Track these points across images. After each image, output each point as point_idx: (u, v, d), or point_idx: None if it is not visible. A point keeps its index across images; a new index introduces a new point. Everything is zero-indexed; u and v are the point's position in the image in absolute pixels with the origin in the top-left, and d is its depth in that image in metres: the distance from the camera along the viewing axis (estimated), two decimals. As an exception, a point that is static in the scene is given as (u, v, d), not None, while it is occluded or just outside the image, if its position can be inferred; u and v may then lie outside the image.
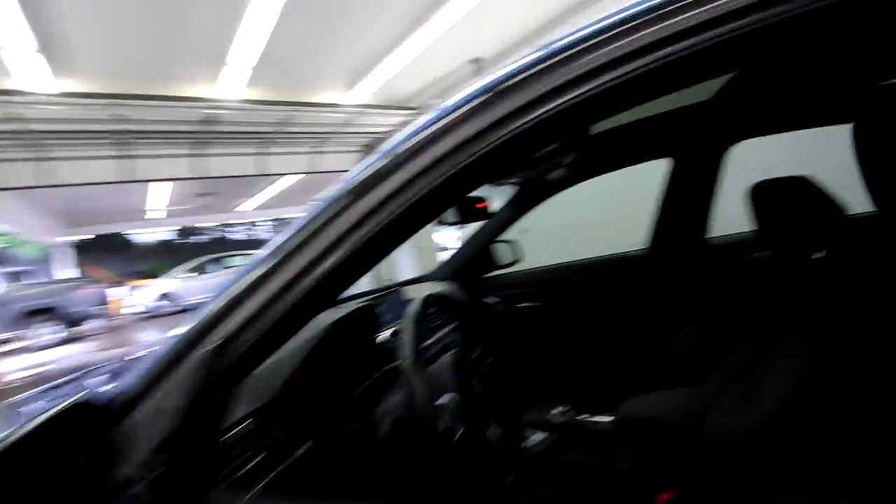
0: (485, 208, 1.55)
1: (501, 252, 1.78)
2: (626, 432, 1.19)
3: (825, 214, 1.13)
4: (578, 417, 1.43)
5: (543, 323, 1.75)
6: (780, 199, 1.17)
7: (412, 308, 0.97)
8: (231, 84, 4.76)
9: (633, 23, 0.44)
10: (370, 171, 0.53)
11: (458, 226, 1.60)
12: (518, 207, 1.72)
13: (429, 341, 1.28)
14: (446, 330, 1.39)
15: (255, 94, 5.02)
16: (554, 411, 1.48)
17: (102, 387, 0.61)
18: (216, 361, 0.52)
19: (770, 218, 1.19)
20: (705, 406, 0.92)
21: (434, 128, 0.51)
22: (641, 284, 1.68)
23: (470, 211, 1.49)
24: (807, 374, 0.77)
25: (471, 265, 1.76)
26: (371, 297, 1.56)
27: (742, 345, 1.07)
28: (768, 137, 1.57)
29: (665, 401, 1.16)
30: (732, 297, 1.35)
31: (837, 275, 0.99)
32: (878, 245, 0.98)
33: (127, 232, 15.09)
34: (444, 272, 1.78)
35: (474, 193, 1.35)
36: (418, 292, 1.25)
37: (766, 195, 1.20)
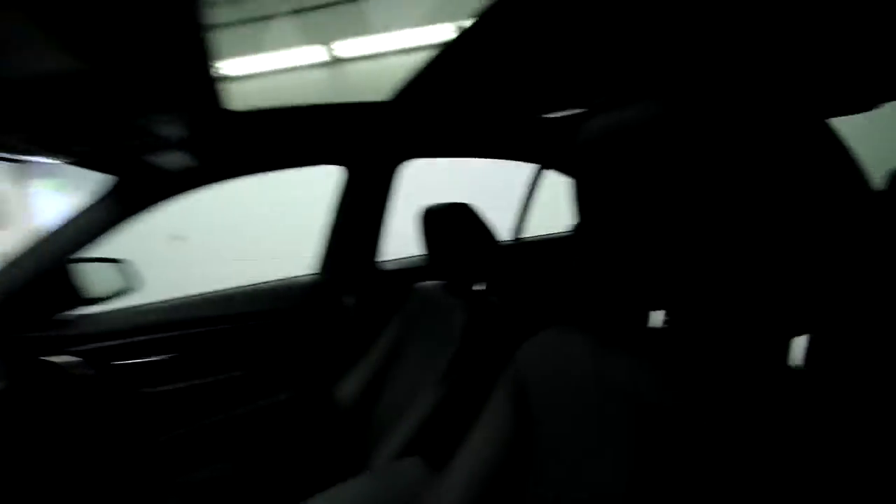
0: None
1: (93, 277, 1.22)
2: None
3: (482, 244, 1.11)
4: None
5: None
6: (444, 225, 1.12)
7: None
8: None
9: None
10: None
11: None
12: (120, 208, 1.21)
13: None
14: None
15: None
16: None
17: None
18: None
19: (435, 244, 1.15)
20: None
21: None
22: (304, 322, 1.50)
23: None
24: None
25: (22, 301, 1.15)
26: None
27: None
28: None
29: None
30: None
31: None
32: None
33: None
34: None
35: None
36: None
37: (431, 221, 1.14)
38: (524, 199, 1.95)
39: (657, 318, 0.51)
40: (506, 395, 0.58)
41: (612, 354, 0.49)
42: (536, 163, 1.83)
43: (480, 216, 1.18)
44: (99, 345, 1.28)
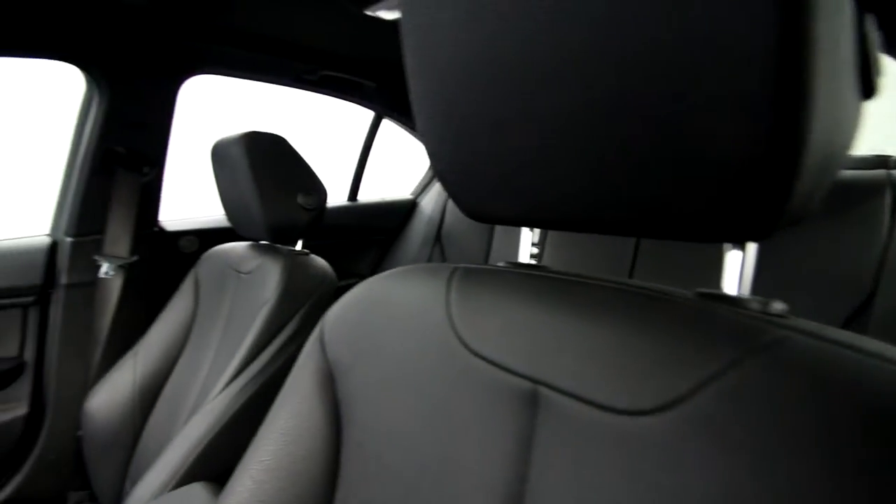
0: None
1: None
2: None
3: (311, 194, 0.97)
4: None
5: None
6: (257, 165, 0.93)
7: None
8: None
9: None
10: None
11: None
12: None
13: None
14: None
15: None
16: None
17: None
18: None
19: (238, 191, 0.97)
20: None
21: None
22: None
23: None
24: None
25: None
26: None
27: None
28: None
29: None
30: None
31: None
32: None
33: None
34: None
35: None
36: None
37: (233, 158, 0.95)
38: (362, 152, 1.74)
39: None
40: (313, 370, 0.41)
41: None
42: (372, 109, 1.63)
43: (301, 155, 0.95)
44: None
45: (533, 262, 0.39)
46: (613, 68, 0.24)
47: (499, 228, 1.53)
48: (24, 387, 1.09)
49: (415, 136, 1.87)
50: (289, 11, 1.04)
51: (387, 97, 1.59)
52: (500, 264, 0.38)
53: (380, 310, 0.38)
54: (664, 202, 0.25)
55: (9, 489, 1.08)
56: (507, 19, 0.26)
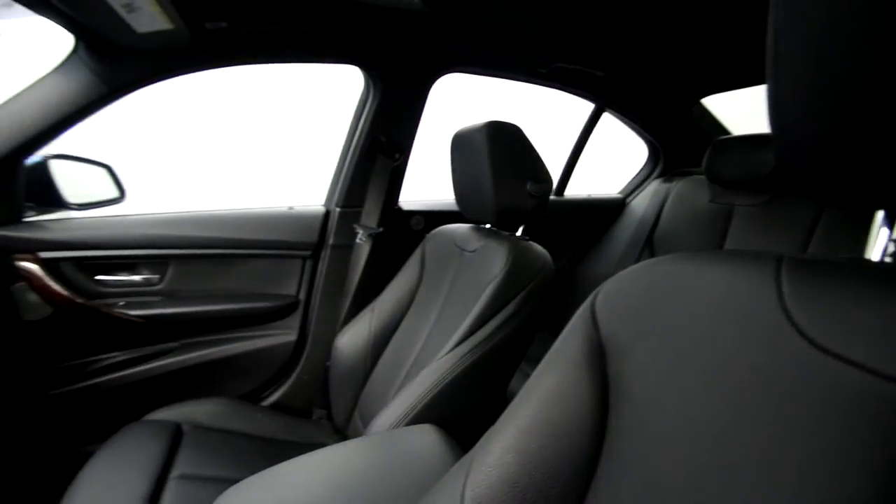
0: None
1: (75, 178, 1.14)
2: None
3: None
4: None
5: None
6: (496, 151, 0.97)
7: None
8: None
9: None
10: None
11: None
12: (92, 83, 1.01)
13: None
14: None
15: None
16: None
17: None
18: None
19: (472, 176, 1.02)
20: None
21: None
22: None
23: None
24: None
25: None
26: None
27: None
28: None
29: None
30: None
31: None
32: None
33: None
34: None
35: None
36: None
37: (471, 147, 1.01)
38: (575, 147, 1.73)
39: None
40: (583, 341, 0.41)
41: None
42: (592, 101, 1.59)
43: (533, 145, 0.98)
44: (74, 254, 1.15)
45: (888, 259, 0.31)
46: None
47: (731, 236, 1.33)
48: (296, 319, 1.42)
49: (635, 129, 1.75)
50: (534, 5, 1.08)
51: (611, 88, 1.53)
52: (843, 258, 0.32)
53: (672, 292, 0.36)
54: None
55: (276, 395, 1.42)
56: None
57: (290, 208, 1.42)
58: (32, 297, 1.09)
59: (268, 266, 1.38)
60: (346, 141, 1.42)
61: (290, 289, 1.42)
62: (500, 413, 0.45)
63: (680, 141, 1.75)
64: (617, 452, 0.37)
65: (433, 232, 1.23)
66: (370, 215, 1.39)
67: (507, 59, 1.37)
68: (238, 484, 0.61)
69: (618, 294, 0.41)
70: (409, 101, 1.35)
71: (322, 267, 1.41)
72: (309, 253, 1.41)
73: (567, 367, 0.41)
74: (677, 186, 1.59)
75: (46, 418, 1.15)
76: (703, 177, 1.46)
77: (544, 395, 0.41)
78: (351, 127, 1.41)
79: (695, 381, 0.33)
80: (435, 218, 1.46)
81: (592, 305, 0.42)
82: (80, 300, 1.13)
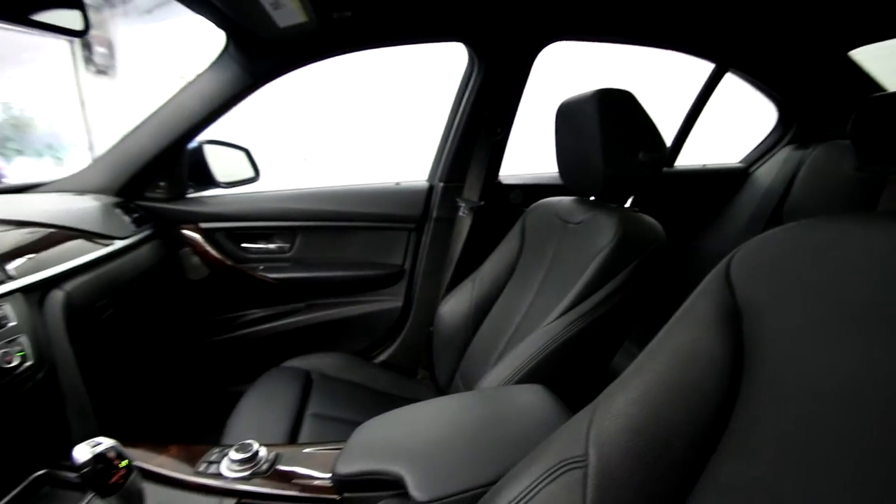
0: None
1: (223, 160, 1.37)
2: None
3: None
4: None
5: None
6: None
7: None
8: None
9: None
10: None
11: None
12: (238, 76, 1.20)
13: None
14: None
15: None
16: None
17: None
18: None
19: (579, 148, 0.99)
20: None
21: None
22: None
23: None
24: None
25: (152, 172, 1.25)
26: None
27: None
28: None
29: None
30: None
31: None
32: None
33: None
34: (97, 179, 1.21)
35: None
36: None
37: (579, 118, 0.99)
38: (691, 112, 1.60)
39: None
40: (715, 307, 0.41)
41: None
42: (713, 60, 1.45)
43: (647, 112, 0.94)
44: (225, 225, 1.37)
45: None
46: None
47: (883, 209, 1.15)
48: (402, 287, 1.53)
49: (763, 90, 1.57)
50: None
51: (738, 44, 1.38)
52: None
53: (815, 254, 0.35)
54: None
55: (385, 354, 1.55)
56: None
57: (397, 184, 1.51)
58: (195, 260, 1.32)
59: (377, 237, 1.50)
60: (450, 118, 1.47)
61: (396, 259, 1.53)
62: (604, 386, 0.47)
63: (819, 101, 1.53)
64: (751, 411, 0.37)
65: (533, 205, 1.24)
66: (472, 189, 1.43)
67: (620, 22, 1.30)
68: (368, 421, 0.71)
69: (757, 256, 0.40)
70: (513, 75, 1.35)
71: (426, 239, 1.50)
72: (413, 226, 1.50)
73: (698, 328, 0.41)
74: (814, 153, 1.41)
75: (206, 362, 1.40)
76: (846, 142, 1.27)
77: (672, 353, 0.42)
78: (454, 104, 1.45)
79: (838, 341, 0.32)
80: (534, 192, 1.46)
81: (727, 267, 0.41)
82: (230, 263, 1.34)
